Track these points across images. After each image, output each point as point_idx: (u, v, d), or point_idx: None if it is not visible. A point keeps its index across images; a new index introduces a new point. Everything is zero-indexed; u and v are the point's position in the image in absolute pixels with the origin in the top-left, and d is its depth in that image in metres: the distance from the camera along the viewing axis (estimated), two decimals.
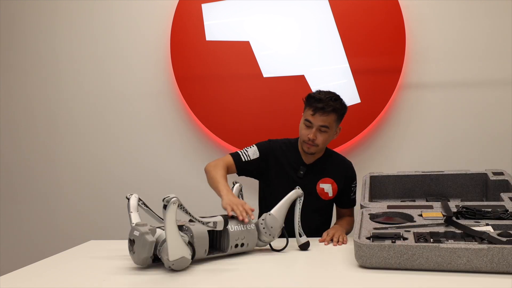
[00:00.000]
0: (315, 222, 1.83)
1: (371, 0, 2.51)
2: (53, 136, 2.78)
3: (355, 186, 1.97)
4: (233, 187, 1.76)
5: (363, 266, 1.20)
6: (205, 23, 2.59)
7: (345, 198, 1.94)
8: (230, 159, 1.87)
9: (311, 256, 1.43)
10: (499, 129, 2.46)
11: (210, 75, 2.60)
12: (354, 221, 1.89)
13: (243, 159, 1.87)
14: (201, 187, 2.59)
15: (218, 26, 2.60)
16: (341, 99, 1.85)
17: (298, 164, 1.89)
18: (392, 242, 1.19)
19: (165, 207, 1.18)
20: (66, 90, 2.76)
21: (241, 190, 1.76)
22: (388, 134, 2.54)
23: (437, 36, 2.51)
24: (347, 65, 2.52)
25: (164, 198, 1.19)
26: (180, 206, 1.21)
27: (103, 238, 1.88)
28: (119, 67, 2.71)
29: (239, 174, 1.91)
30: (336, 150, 2.53)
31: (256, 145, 1.92)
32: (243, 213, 1.46)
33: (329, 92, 1.83)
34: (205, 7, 2.60)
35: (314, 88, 2.53)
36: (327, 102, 1.77)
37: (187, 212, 1.24)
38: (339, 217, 1.98)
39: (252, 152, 1.89)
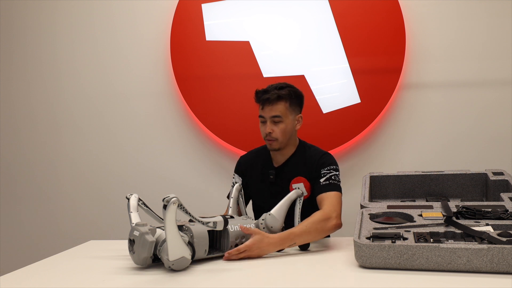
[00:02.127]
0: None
1: (371, 0, 2.51)
2: (53, 136, 2.78)
3: (329, 171, 1.73)
4: (232, 186, 1.76)
5: (363, 266, 1.20)
6: (205, 23, 2.60)
7: (316, 184, 1.72)
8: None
9: (311, 256, 1.43)
10: (499, 129, 2.46)
11: (210, 75, 2.60)
12: (327, 219, 1.56)
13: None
14: (201, 186, 2.60)
15: (218, 26, 2.60)
16: (290, 87, 1.78)
17: (268, 168, 1.84)
18: (392, 242, 1.19)
19: (165, 207, 1.18)
20: (67, 90, 2.77)
21: (241, 190, 1.76)
22: (388, 134, 2.54)
23: (437, 36, 2.51)
24: (347, 65, 2.52)
25: (164, 198, 1.19)
26: (180, 206, 1.21)
27: (103, 238, 1.88)
28: (119, 67, 2.71)
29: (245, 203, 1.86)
30: (336, 150, 2.54)
31: (234, 171, 1.93)
32: None
33: (278, 83, 1.78)
34: (205, 7, 2.60)
35: (314, 88, 2.54)
36: (271, 91, 1.73)
37: (187, 212, 1.24)
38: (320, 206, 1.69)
39: (237, 180, 1.89)
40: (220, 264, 1.32)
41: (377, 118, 2.52)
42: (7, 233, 2.84)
